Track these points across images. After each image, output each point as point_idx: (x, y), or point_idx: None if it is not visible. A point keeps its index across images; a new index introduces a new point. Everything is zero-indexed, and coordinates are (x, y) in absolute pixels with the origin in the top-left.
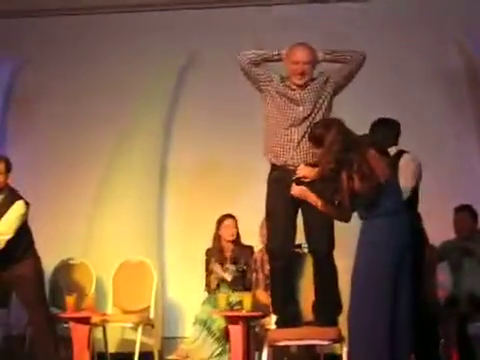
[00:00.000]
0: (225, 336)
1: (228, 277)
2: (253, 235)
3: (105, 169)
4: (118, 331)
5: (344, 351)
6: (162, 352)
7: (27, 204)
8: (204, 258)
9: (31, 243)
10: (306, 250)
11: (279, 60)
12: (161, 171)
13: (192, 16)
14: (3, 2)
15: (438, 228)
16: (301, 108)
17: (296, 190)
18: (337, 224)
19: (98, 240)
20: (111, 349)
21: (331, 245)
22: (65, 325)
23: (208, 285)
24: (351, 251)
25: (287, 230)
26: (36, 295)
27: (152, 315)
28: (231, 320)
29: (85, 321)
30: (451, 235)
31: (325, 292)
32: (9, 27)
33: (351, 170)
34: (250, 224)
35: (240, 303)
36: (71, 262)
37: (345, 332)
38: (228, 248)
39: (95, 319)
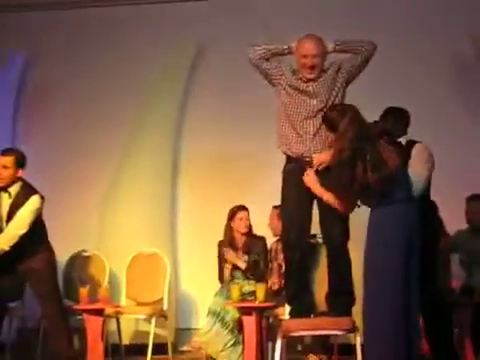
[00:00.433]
0: (238, 327)
1: (242, 265)
2: (266, 227)
3: (118, 163)
4: (132, 323)
5: (358, 341)
6: (175, 343)
7: (42, 198)
8: (217, 249)
9: (45, 236)
10: (321, 241)
11: (289, 53)
12: (174, 163)
13: (201, 7)
14: None
15: (451, 218)
16: (315, 101)
17: (307, 178)
18: (352, 215)
19: (111, 232)
20: (125, 341)
21: (346, 236)
22: (79, 317)
23: (221, 276)
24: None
25: (302, 221)
26: (50, 288)
27: (165, 307)
28: (244, 311)
29: (99, 313)
30: (463, 225)
31: (339, 283)
32: (21, 22)
33: (365, 161)
34: (263, 216)
35: (253, 294)
36: (84, 254)
37: (359, 322)
38: (240, 239)
39: (109, 311)
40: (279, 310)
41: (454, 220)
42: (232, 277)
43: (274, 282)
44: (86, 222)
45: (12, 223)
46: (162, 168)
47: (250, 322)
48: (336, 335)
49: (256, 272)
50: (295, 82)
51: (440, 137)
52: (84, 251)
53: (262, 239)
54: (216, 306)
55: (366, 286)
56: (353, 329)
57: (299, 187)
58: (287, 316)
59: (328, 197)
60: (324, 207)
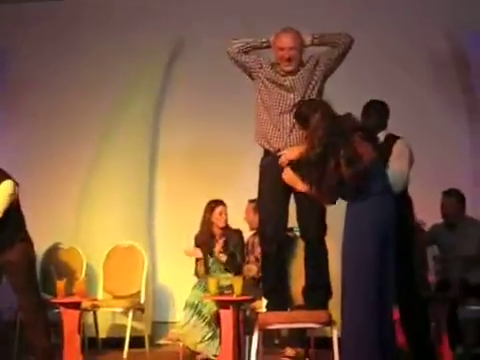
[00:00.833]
0: (216, 320)
1: (223, 258)
2: (242, 220)
3: (95, 157)
4: (109, 316)
5: (334, 334)
6: (152, 337)
7: (16, 184)
8: (193, 243)
9: (23, 227)
10: (298, 234)
11: (268, 47)
12: (151, 156)
13: (181, 1)
14: None
15: (427, 213)
16: (292, 95)
17: (286, 176)
18: (329, 209)
19: (88, 225)
20: (102, 334)
21: (323, 230)
22: (55, 310)
23: (196, 272)
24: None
25: (279, 215)
26: (27, 281)
27: (143, 300)
28: (221, 304)
29: (75, 306)
30: (439, 220)
31: (316, 276)
32: None
33: (338, 156)
34: (239, 210)
35: (230, 287)
36: (61, 247)
37: (335, 316)
38: (217, 232)
39: (85, 304)
40: (256, 303)
41: (430, 215)
42: (208, 269)
43: (250, 268)
44: (63, 215)
45: None
46: (140, 162)
47: (227, 315)
48: (313, 328)
49: (233, 265)
50: (273, 76)
51: (417, 132)
52: (61, 244)
53: (238, 232)
54: (194, 299)
55: (343, 279)
56: (329, 322)
57: (276, 181)
58: (264, 309)
59: (309, 189)
60: (301, 201)
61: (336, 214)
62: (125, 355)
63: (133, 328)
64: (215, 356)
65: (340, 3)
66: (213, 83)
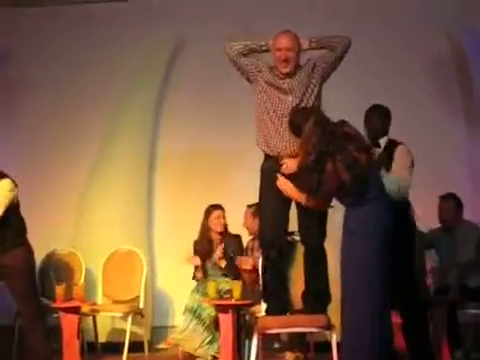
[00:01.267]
0: (215, 324)
1: (222, 264)
2: (242, 225)
3: (94, 161)
4: (108, 321)
5: (333, 338)
6: (152, 341)
7: (15, 184)
8: (193, 248)
9: (24, 232)
10: (298, 238)
11: (267, 51)
12: (150, 160)
13: (181, 3)
14: None
15: (426, 216)
16: (290, 98)
17: (279, 184)
18: (330, 215)
19: (88, 230)
20: (101, 339)
21: (322, 235)
22: (55, 315)
23: (195, 276)
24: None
25: (279, 220)
26: (27, 285)
27: (142, 304)
28: (221, 308)
29: (74, 311)
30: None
31: (315, 281)
32: None
33: (335, 161)
34: (239, 214)
35: (229, 291)
36: (60, 252)
37: (334, 320)
38: (216, 237)
39: (85, 309)
40: (255, 308)
41: (429, 219)
42: (206, 274)
43: (245, 261)
44: (62, 220)
45: None
46: (138, 166)
47: (226, 319)
48: (312, 332)
49: (232, 270)
50: (271, 79)
51: (415, 136)
52: (60, 249)
53: (237, 237)
54: (193, 303)
55: (343, 283)
56: (329, 326)
57: (277, 185)
58: (263, 313)
59: (302, 199)
60: (301, 206)
61: (334, 219)
62: None
63: (132, 333)
64: None
65: (340, 8)
66: (212, 87)
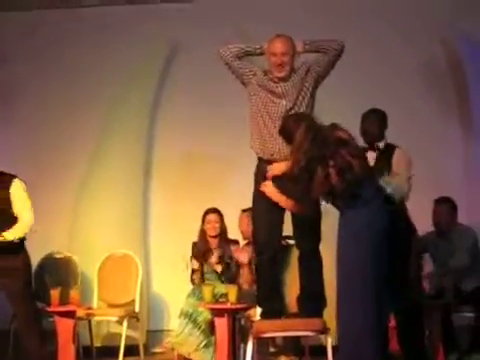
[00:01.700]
0: (211, 328)
1: (219, 268)
2: (237, 229)
3: (89, 165)
4: (103, 325)
5: (328, 342)
6: (147, 345)
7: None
8: (189, 251)
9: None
10: (292, 242)
11: (261, 54)
12: (146, 164)
13: (176, 8)
14: None
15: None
16: (284, 101)
17: (264, 188)
18: (324, 218)
19: (83, 234)
20: (96, 343)
21: (317, 239)
22: (50, 319)
23: (192, 280)
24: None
25: (273, 224)
26: (25, 288)
27: (137, 308)
28: (216, 312)
29: (70, 315)
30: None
31: (310, 285)
32: None
33: (327, 166)
34: (234, 218)
35: (225, 295)
36: (56, 256)
37: (330, 323)
38: (213, 242)
39: (80, 313)
40: (251, 312)
41: (423, 223)
42: (203, 278)
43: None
44: (58, 223)
45: (22, 210)
46: (134, 170)
47: (222, 324)
48: (307, 336)
49: (228, 275)
50: (266, 82)
51: (410, 139)
52: (55, 253)
53: (235, 242)
54: (188, 307)
55: (338, 285)
56: (324, 330)
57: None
58: (258, 317)
59: (287, 204)
60: None
61: (329, 222)
62: None
63: (128, 337)
64: None
65: (336, 11)
66: (207, 92)
